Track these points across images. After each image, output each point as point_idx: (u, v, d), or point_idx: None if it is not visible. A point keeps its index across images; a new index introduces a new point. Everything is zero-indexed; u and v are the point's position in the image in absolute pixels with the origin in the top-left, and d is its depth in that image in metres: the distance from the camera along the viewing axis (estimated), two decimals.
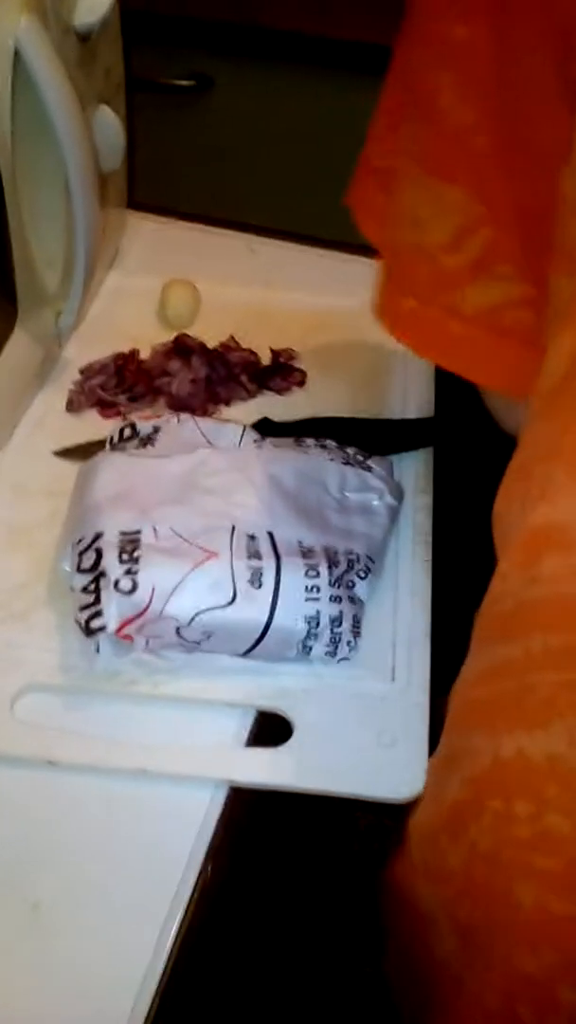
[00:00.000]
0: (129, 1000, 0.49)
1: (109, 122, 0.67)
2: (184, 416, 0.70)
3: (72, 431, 0.77)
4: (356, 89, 1.27)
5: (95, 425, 0.78)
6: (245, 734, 0.60)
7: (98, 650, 0.59)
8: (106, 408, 0.78)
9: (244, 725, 0.60)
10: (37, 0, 0.56)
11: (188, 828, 0.56)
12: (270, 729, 0.60)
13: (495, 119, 0.52)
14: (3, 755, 0.57)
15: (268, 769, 0.58)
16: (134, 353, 0.81)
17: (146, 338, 0.84)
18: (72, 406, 0.78)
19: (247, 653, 0.60)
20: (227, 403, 0.79)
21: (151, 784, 0.57)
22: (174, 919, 0.52)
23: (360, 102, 1.27)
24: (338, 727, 0.59)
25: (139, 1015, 0.49)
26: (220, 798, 0.57)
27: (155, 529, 0.60)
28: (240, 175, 1.41)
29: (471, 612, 0.74)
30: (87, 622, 0.58)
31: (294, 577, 0.59)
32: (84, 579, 0.59)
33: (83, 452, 0.74)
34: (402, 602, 0.66)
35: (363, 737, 0.59)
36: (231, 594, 0.58)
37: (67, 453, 0.75)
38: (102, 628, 0.57)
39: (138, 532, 0.60)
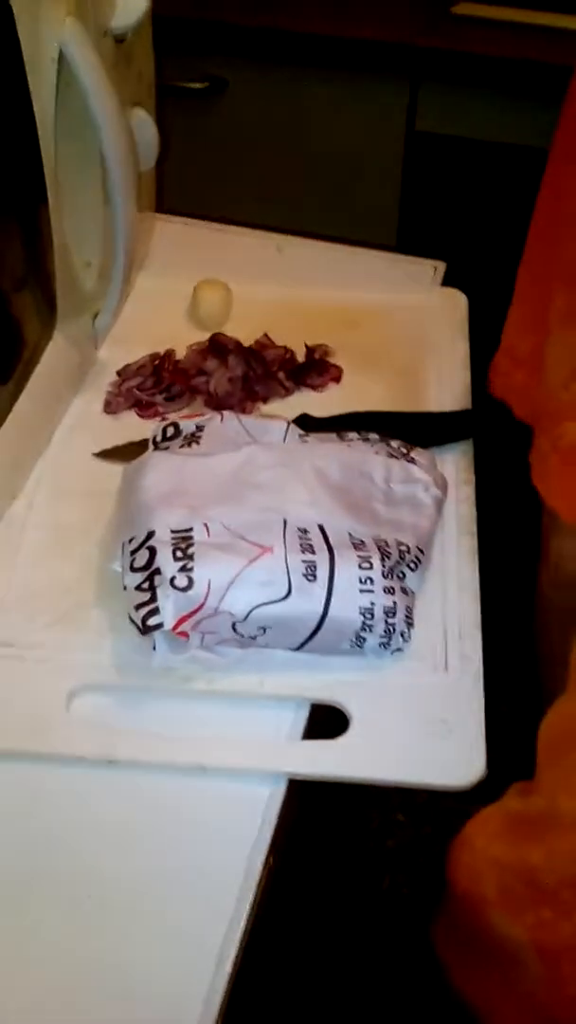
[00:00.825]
0: (201, 996, 0.49)
1: (144, 123, 0.68)
2: (227, 414, 0.70)
3: (111, 432, 0.77)
4: (367, 86, 1.28)
5: (133, 426, 0.78)
6: (301, 727, 0.60)
7: (155, 647, 0.59)
8: (144, 409, 0.78)
9: (300, 718, 0.60)
10: (79, 2, 0.57)
11: (249, 821, 0.56)
12: (326, 722, 0.61)
13: None
14: (63, 755, 0.58)
15: (327, 761, 0.58)
16: (170, 353, 0.81)
17: (180, 338, 0.85)
18: (110, 407, 0.78)
19: (301, 647, 0.60)
20: (264, 400, 0.79)
21: (209, 779, 0.57)
22: (242, 912, 0.52)
23: (372, 99, 1.28)
24: (394, 718, 0.59)
25: (212, 1009, 0.49)
26: (280, 791, 0.57)
27: (207, 526, 0.61)
28: (254, 176, 1.42)
29: (517, 602, 0.74)
30: (144, 620, 0.58)
31: (348, 569, 0.59)
32: (138, 577, 0.59)
33: (123, 453, 0.75)
34: (451, 593, 0.66)
35: (419, 727, 0.59)
36: (286, 588, 0.58)
37: (107, 454, 0.75)
38: (159, 625, 0.57)
39: (190, 530, 0.60)
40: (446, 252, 0.98)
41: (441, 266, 0.95)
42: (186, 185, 1.23)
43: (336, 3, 1.34)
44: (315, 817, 0.59)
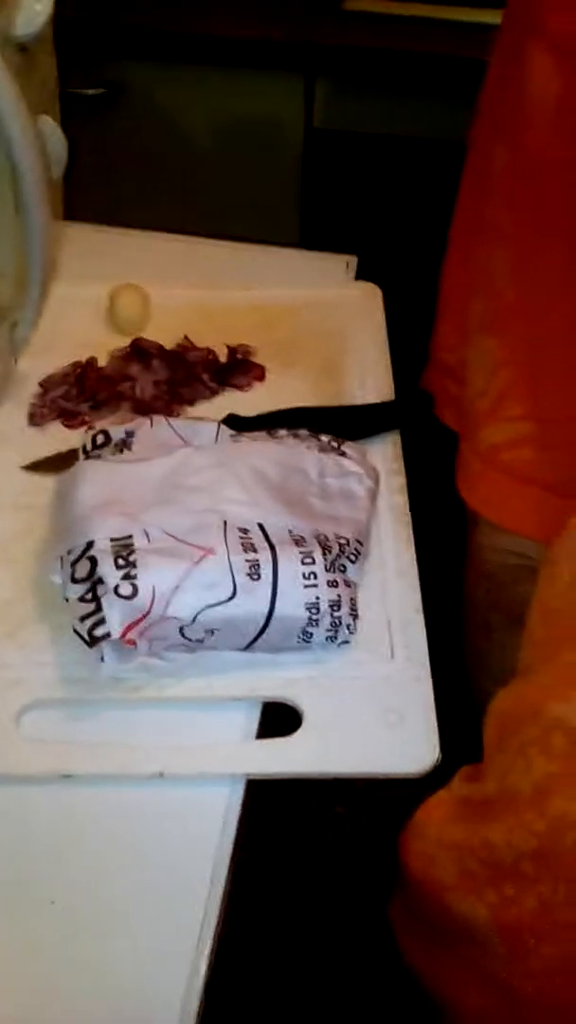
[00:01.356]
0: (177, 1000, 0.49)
1: (52, 131, 0.67)
2: (157, 418, 0.69)
3: (37, 445, 0.76)
4: (264, 85, 1.29)
5: (60, 437, 0.77)
6: (254, 727, 0.60)
7: (103, 658, 0.58)
8: (70, 419, 0.77)
9: (252, 718, 0.60)
10: None
11: (211, 824, 0.56)
12: (278, 720, 0.61)
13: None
14: (16, 775, 0.57)
15: (283, 758, 0.58)
16: (92, 361, 0.80)
17: (99, 345, 0.84)
18: (35, 419, 0.77)
19: (249, 646, 0.61)
20: (191, 403, 0.79)
21: (167, 786, 0.57)
22: (212, 916, 0.52)
23: (269, 98, 1.29)
24: (345, 710, 0.60)
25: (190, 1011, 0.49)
26: (239, 792, 0.57)
27: (146, 532, 0.60)
28: (155, 179, 1.41)
29: (454, 586, 0.75)
30: (90, 630, 0.57)
31: (291, 565, 0.60)
32: (80, 589, 0.59)
33: (53, 464, 0.74)
34: (390, 582, 0.67)
35: (371, 717, 0.60)
36: (231, 589, 0.58)
37: (36, 466, 0.74)
38: (106, 635, 0.57)
39: (130, 537, 0.60)
40: (349, 247, 0.99)
41: (353, 261, 0.95)
42: (87, 192, 1.22)
43: (230, 3, 1.34)
44: (262, 813, 0.59)
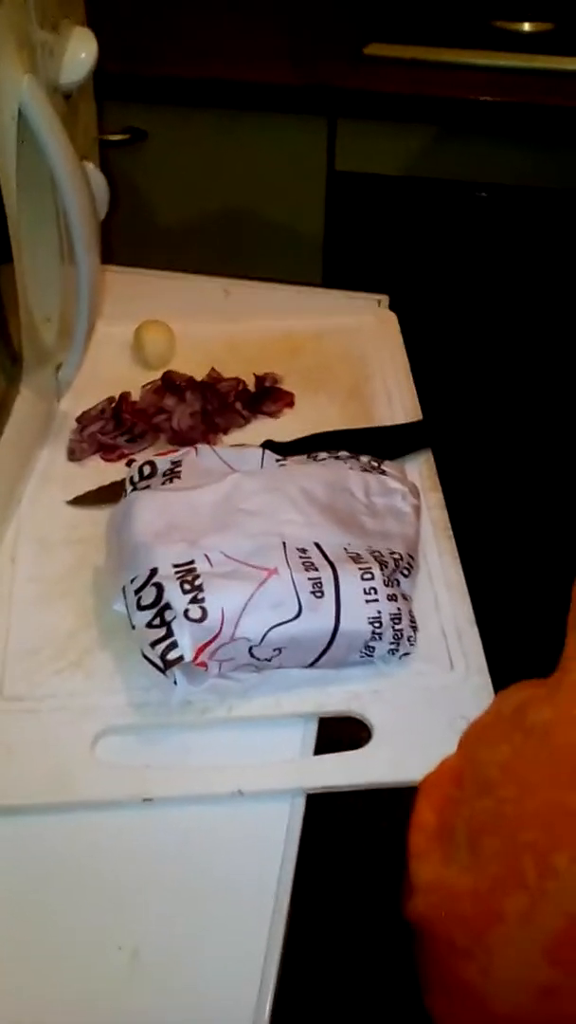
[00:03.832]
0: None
1: (95, 176, 0.69)
2: (202, 446, 0.71)
3: (78, 480, 0.77)
4: (285, 130, 1.32)
5: (99, 471, 0.78)
6: (312, 743, 0.61)
7: (175, 682, 0.59)
8: (108, 452, 0.79)
9: (310, 734, 0.62)
10: (32, 60, 0.58)
11: (275, 836, 0.57)
12: (341, 734, 0.62)
13: None
14: (97, 801, 0.58)
15: (358, 770, 0.59)
16: (126, 395, 0.82)
17: (128, 381, 0.85)
18: (74, 455, 0.78)
19: (314, 663, 0.62)
20: (225, 431, 0.81)
21: (231, 805, 0.58)
22: (279, 926, 0.53)
23: (291, 142, 1.32)
24: (413, 720, 0.61)
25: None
26: (300, 804, 0.58)
27: (207, 557, 0.62)
28: (177, 224, 1.44)
29: (502, 598, 0.77)
30: (163, 655, 0.58)
31: (351, 581, 0.61)
32: (147, 615, 0.60)
33: (96, 498, 0.75)
34: (441, 595, 0.69)
35: (438, 725, 0.61)
36: (297, 607, 0.60)
37: (80, 500, 0.75)
38: (179, 658, 0.58)
39: (192, 562, 0.61)
40: (372, 289, 1.01)
41: (384, 299, 0.98)
42: (110, 237, 1.24)
43: (251, 49, 1.37)
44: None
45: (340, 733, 0.62)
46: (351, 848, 0.72)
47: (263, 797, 0.58)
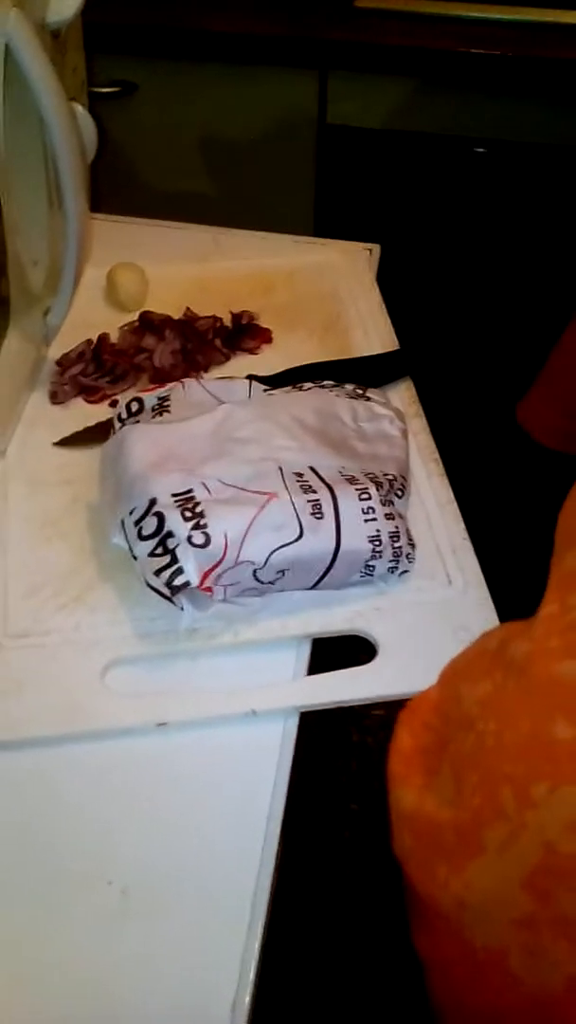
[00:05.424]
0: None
1: (84, 118, 0.68)
2: (189, 381, 0.71)
3: (63, 422, 0.77)
4: (276, 82, 1.30)
5: (83, 412, 0.78)
6: (306, 663, 0.62)
7: (182, 608, 0.60)
8: (91, 394, 0.78)
9: (304, 654, 0.63)
10: None
11: (271, 756, 0.58)
12: (347, 651, 0.63)
13: None
14: (112, 729, 0.58)
15: (369, 684, 0.60)
16: (105, 337, 0.82)
17: (104, 323, 0.85)
18: (56, 398, 0.78)
19: (316, 584, 0.63)
20: (206, 369, 0.81)
21: (239, 726, 0.59)
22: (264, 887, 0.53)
23: (282, 94, 1.30)
24: (416, 634, 0.62)
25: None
26: (294, 723, 0.60)
27: (205, 485, 0.62)
28: (169, 176, 1.42)
29: (491, 517, 0.78)
30: (168, 582, 0.59)
31: (350, 502, 0.62)
32: (150, 545, 0.60)
33: (84, 437, 0.75)
34: (433, 514, 0.70)
35: (442, 637, 0.62)
36: (298, 529, 0.60)
37: (67, 441, 0.75)
38: (186, 584, 0.58)
39: (190, 491, 0.61)
40: (363, 240, 1.01)
41: (376, 248, 0.97)
42: (103, 188, 1.23)
43: (242, 2, 1.35)
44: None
45: (343, 657, 0.63)
46: (343, 804, 0.73)
47: (272, 717, 0.59)
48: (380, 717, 0.63)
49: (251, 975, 0.50)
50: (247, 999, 0.49)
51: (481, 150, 1.31)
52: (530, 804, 0.40)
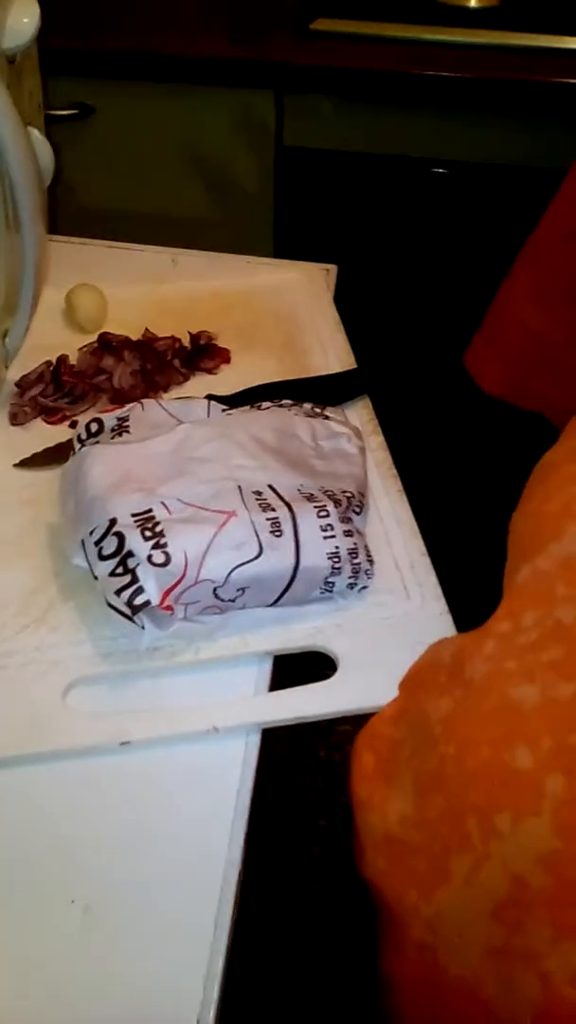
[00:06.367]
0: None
1: (40, 143, 0.69)
2: (147, 401, 0.72)
3: (23, 443, 0.77)
4: (233, 105, 1.32)
5: (42, 433, 0.78)
6: (267, 680, 0.63)
7: (143, 627, 0.60)
8: (51, 415, 0.79)
9: (265, 672, 0.63)
10: None
11: (232, 771, 0.59)
12: (307, 667, 0.64)
13: None
14: (72, 748, 0.58)
15: (328, 700, 0.61)
16: (64, 358, 0.82)
17: (62, 345, 0.85)
18: (16, 419, 0.78)
19: (276, 601, 0.63)
20: (165, 389, 0.82)
21: (196, 744, 0.59)
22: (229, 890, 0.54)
23: (239, 117, 1.32)
24: (376, 649, 0.63)
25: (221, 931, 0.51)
26: (255, 742, 0.60)
27: (165, 504, 0.62)
28: (128, 199, 1.43)
29: (446, 532, 0.80)
30: (129, 601, 0.59)
31: (308, 519, 0.63)
32: (110, 564, 0.60)
33: (45, 458, 0.76)
34: (391, 530, 0.71)
35: (401, 651, 0.62)
36: (257, 547, 0.61)
37: (27, 463, 0.75)
38: (146, 603, 0.59)
39: (150, 511, 0.62)
40: (322, 261, 1.02)
41: (333, 269, 0.98)
42: (56, 209, 1.23)
43: (199, 23, 1.36)
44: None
45: (302, 674, 0.64)
46: (309, 821, 0.73)
47: (234, 734, 0.60)
48: (347, 732, 0.63)
49: (215, 992, 0.50)
50: (211, 1016, 0.49)
51: (440, 170, 1.33)
52: (495, 835, 0.40)
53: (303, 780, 0.76)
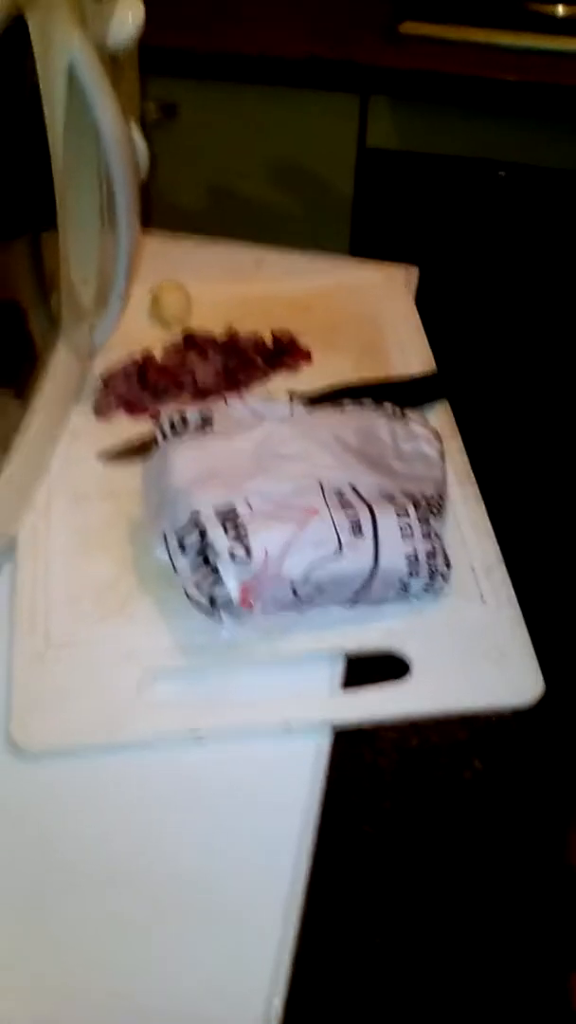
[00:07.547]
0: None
1: (137, 139, 0.70)
2: (231, 398, 0.72)
3: (106, 436, 0.79)
4: (318, 105, 1.33)
5: (126, 427, 0.80)
6: (339, 679, 0.63)
7: (222, 621, 0.61)
8: (133, 409, 0.80)
9: (337, 671, 0.64)
10: (83, 18, 0.59)
11: (311, 774, 0.59)
12: (378, 668, 0.64)
13: None
14: (145, 740, 0.59)
15: (401, 702, 0.61)
16: (150, 357, 0.83)
17: (147, 340, 0.87)
18: (100, 412, 0.80)
19: (353, 601, 0.64)
20: (247, 386, 0.82)
21: (269, 741, 0.60)
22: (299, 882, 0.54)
23: (323, 118, 1.32)
24: (449, 653, 0.63)
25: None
26: (327, 743, 0.60)
27: (247, 500, 0.63)
28: (207, 199, 1.45)
29: (524, 539, 0.79)
30: (209, 595, 0.60)
31: (388, 520, 0.63)
32: (191, 558, 0.61)
33: (128, 452, 0.77)
34: (467, 536, 0.71)
35: (474, 657, 0.63)
36: (337, 545, 0.62)
37: (111, 456, 0.77)
38: (226, 597, 0.60)
39: (232, 506, 0.63)
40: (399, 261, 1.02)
41: (414, 270, 0.99)
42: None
43: (285, 24, 1.37)
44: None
45: (371, 674, 0.64)
46: (354, 827, 0.73)
47: (305, 731, 0.60)
48: (392, 739, 0.64)
49: (281, 983, 0.51)
50: (277, 1007, 0.50)
51: (520, 176, 1.32)
52: None
53: (347, 784, 0.76)
